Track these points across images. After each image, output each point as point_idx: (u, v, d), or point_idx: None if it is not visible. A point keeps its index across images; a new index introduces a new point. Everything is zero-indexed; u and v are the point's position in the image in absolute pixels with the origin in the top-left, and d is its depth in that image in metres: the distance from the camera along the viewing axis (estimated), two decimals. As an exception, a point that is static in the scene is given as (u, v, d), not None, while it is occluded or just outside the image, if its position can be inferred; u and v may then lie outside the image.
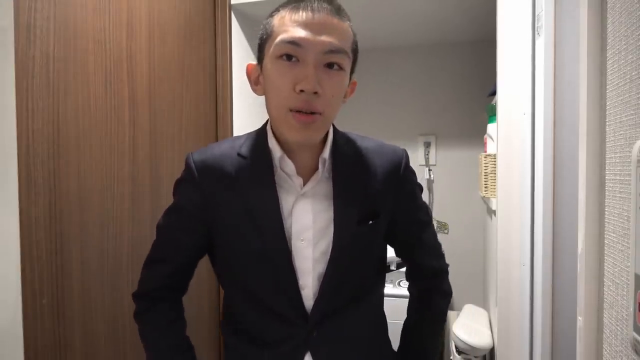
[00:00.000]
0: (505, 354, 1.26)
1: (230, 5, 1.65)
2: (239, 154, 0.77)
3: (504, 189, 1.20)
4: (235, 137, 0.84)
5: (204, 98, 1.57)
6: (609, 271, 0.49)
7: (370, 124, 2.37)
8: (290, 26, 0.67)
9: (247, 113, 1.79)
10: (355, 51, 0.73)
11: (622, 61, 0.46)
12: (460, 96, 2.27)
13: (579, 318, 0.54)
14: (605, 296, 0.50)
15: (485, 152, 1.78)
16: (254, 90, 0.77)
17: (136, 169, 1.25)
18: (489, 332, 1.74)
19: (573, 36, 0.84)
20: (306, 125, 0.68)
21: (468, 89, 2.25)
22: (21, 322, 0.92)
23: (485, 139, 1.83)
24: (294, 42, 0.66)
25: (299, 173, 0.76)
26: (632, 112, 0.44)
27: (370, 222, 0.78)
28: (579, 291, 0.55)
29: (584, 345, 0.53)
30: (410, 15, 1.79)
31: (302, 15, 0.67)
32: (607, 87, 0.50)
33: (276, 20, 0.69)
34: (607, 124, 0.50)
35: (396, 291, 1.99)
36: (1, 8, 0.87)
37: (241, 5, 1.66)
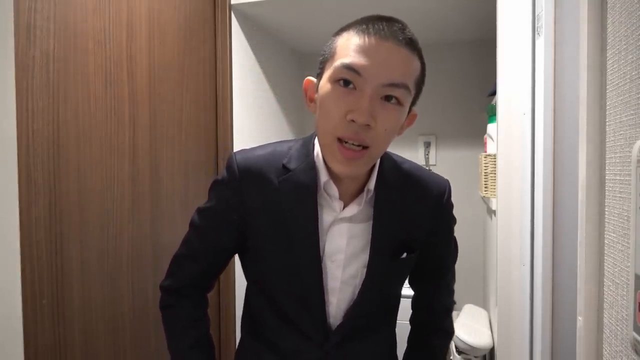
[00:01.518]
0: (505, 354, 1.26)
1: (230, 5, 1.65)
2: (284, 166, 0.74)
3: (504, 189, 1.20)
4: (279, 143, 0.80)
5: (204, 98, 1.57)
6: (609, 271, 0.49)
7: (370, 124, 2.36)
8: (353, 50, 0.63)
9: (247, 113, 1.79)
10: (419, 85, 0.69)
11: (622, 61, 0.46)
12: (460, 96, 2.27)
13: (579, 318, 0.54)
14: (605, 296, 0.50)
15: (485, 152, 1.78)
16: (308, 106, 0.73)
17: (136, 169, 1.25)
18: (489, 332, 1.74)
19: (573, 36, 0.84)
20: (351, 160, 0.65)
21: (468, 89, 2.25)
22: (21, 322, 0.92)
23: (485, 139, 1.83)
24: (353, 69, 0.62)
25: (341, 196, 0.74)
26: (632, 112, 0.44)
27: (405, 255, 0.77)
28: (579, 291, 0.55)
29: (584, 345, 0.53)
30: (410, 14, 1.78)
31: (368, 41, 0.62)
32: (607, 87, 0.50)
33: (341, 40, 0.66)
34: (607, 124, 0.50)
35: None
36: (1, 8, 0.87)
37: (241, 5, 1.66)
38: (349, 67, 0.62)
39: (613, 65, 0.48)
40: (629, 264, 0.43)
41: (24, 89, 0.93)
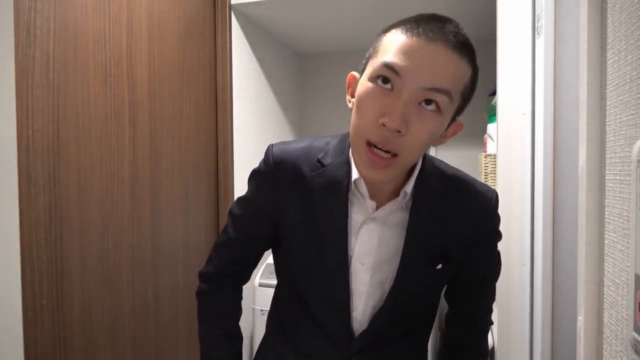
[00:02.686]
0: (505, 354, 1.26)
1: (230, 5, 1.65)
2: (318, 160, 0.72)
3: (504, 189, 1.20)
4: (318, 138, 0.78)
5: (204, 98, 1.57)
6: (609, 271, 0.49)
7: (370, 124, 2.36)
8: (397, 49, 0.58)
9: (247, 113, 1.79)
10: (466, 95, 0.64)
11: (622, 61, 0.46)
12: (460, 96, 2.26)
13: (579, 318, 0.54)
14: (605, 296, 0.50)
15: (485, 152, 1.78)
16: (348, 101, 0.69)
17: (136, 169, 1.25)
18: (489, 332, 1.74)
19: (573, 36, 0.84)
20: (376, 167, 0.62)
21: (468, 89, 2.24)
22: (21, 323, 0.92)
23: (485, 139, 1.83)
24: (392, 68, 0.58)
25: (374, 196, 0.71)
26: (632, 112, 0.44)
27: (440, 265, 0.73)
28: (579, 291, 0.55)
29: (584, 345, 0.53)
30: (411, 14, 1.78)
31: (414, 40, 0.58)
32: (607, 87, 0.50)
33: (387, 38, 0.62)
34: (607, 124, 0.50)
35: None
36: (1, 8, 0.87)
37: (241, 5, 1.66)
38: (388, 66, 0.58)
39: (613, 65, 0.48)
40: (629, 264, 0.43)
41: (24, 89, 0.93)
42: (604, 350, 0.51)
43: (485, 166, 1.61)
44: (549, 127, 1.00)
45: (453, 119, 0.66)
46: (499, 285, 1.25)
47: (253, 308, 1.74)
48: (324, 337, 0.76)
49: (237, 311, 0.86)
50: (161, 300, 1.34)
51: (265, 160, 0.76)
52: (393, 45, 0.59)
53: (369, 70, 0.62)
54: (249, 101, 1.81)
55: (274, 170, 0.74)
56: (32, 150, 0.95)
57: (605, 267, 0.50)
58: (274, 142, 0.78)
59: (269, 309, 0.89)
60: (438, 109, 0.59)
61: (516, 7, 1.14)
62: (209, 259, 0.85)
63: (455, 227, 0.73)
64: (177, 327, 1.41)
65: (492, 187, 1.50)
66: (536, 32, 1.08)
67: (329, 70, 2.39)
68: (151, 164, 1.31)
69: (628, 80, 0.44)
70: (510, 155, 1.16)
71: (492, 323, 0.87)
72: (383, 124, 0.58)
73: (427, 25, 0.59)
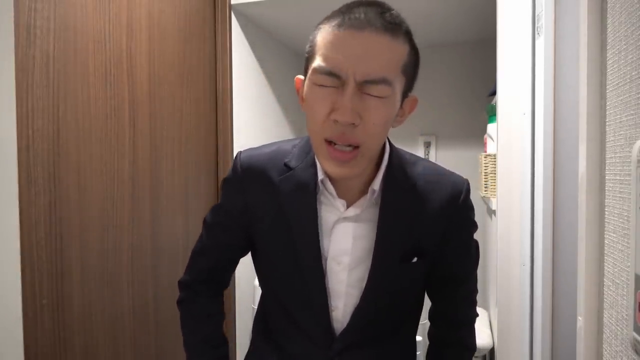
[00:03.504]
0: (505, 354, 1.26)
1: (230, 5, 1.65)
2: (285, 164, 0.72)
3: (504, 189, 1.20)
4: (285, 141, 0.79)
5: (204, 98, 1.57)
6: (609, 271, 0.49)
7: (370, 124, 2.36)
8: (328, 47, 0.59)
9: (247, 113, 1.79)
10: (411, 70, 0.63)
11: (622, 61, 0.46)
12: (460, 96, 2.27)
13: (579, 318, 0.54)
14: (605, 296, 0.50)
15: (485, 152, 1.78)
16: (301, 105, 0.69)
17: (136, 169, 1.25)
18: (489, 332, 1.74)
19: (573, 36, 0.84)
20: (342, 162, 0.62)
21: (468, 89, 2.25)
22: (21, 322, 0.92)
23: (485, 139, 1.83)
24: (328, 72, 0.58)
25: (344, 195, 0.71)
26: (632, 112, 0.44)
27: (415, 260, 0.73)
28: (579, 291, 0.55)
29: (584, 346, 0.53)
30: (411, 15, 1.78)
31: (342, 34, 0.58)
32: (607, 87, 0.50)
33: (320, 35, 0.61)
34: (607, 124, 0.50)
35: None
36: (1, 8, 0.87)
37: (241, 5, 1.66)
38: (322, 71, 0.59)
39: (613, 65, 0.48)
40: (629, 264, 0.43)
41: (24, 89, 0.93)
42: (604, 350, 0.51)
43: (485, 166, 1.61)
44: (549, 127, 1.00)
45: (405, 96, 0.65)
46: (499, 285, 1.25)
47: (253, 308, 1.74)
48: (305, 339, 0.77)
49: (217, 316, 0.86)
50: (161, 300, 1.34)
51: (233, 168, 0.76)
52: (324, 45, 0.59)
53: (309, 73, 0.62)
54: (249, 101, 1.81)
55: (242, 178, 0.75)
56: (32, 150, 0.95)
57: (605, 267, 0.50)
58: (242, 150, 0.78)
59: (254, 319, 0.90)
60: (381, 96, 0.59)
61: (516, 7, 1.14)
62: (187, 267, 0.86)
63: (426, 220, 0.72)
64: (177, 327, 1.40)
65: (492, 186, 1.50)
66: (536, 32, 1.08)
67: (329, 70, 2.39)
68: (151, 164, 1.31)
69: (628, 80, 0.44)
70: (510, 155, 1.16)
71: (476, 315, 0.86)
72: (336, 120, 0.59)
73: (352, 14, 0.58)
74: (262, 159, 0.74)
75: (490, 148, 1.65)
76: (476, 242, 0.82)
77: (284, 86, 2.16)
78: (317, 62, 0.60)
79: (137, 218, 1.26)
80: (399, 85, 0.61)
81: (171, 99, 1.39)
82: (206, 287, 0.85)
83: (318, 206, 0.72)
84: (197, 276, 0.84)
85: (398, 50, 0.59)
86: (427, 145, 2.32)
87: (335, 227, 0.72)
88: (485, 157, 1.62)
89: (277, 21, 1.88)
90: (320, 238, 0.71)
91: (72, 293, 1.05)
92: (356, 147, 0.61)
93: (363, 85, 0.58)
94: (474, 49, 2.22)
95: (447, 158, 2.32)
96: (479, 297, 2.15)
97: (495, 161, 1.38)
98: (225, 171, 1.66)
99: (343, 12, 0.60)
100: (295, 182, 0.71)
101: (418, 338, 1.63)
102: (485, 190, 1.61)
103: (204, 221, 0.83)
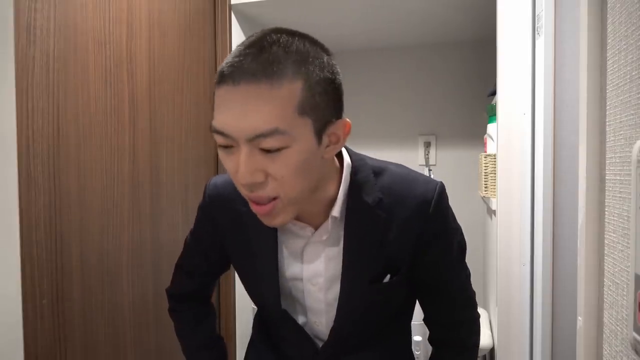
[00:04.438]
0: (505, 354, 1.26)
1: (230, 5, 1.65)
2: None
3: (504, 189, 1.20)
4: None
5: (204, 98, 1.57)
6: (609, 271, 0.49)
7: (370, 124, 2.36)
8: (216, 105, 0.55)
9: (247, 113, 1.79)
10: (315, 103, 0.55)
11: (622, 61, 0.46)
12: (460, 96, 2.26)
13: (579, 318, 0.54)
14: (605, 296, 0.50)
15: (485, 152, 1.78)
16: None
17: (136, 168, 1.25)
18: (489, 332, 1.74)
19: (573, 36, 0.84)
20: (266, 215, 0.59)
21: (468, 89, 2.25)
22: (21, 322, 0.92)
23: (485, 139, 1.83)
24: (219, 132, 0.55)
25: (309, 220, 0.70)
26: (632, 112, 0.44)
27: (388, 278, 0.71)
28: (579, 291, 0.55)
29: (584, 345, 0.53)
30: (410, 15, 1.78)
31: (223, 90, 0.54)
32: (607, 87, 0.50)
33: (216, 90, 0.56)
34: (607, 124, 0.50)
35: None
36: (1, 8, 0.87)
37: (241, 5, 1.66)
38: (215, 131, 0.55)
39: (613, 65, 0.48)
40: (629, 264, 0.43)
41: (24, 89, 0.93)
42: (604, 350, 0.51)
43: (485, 166, 1.61)
44: (549, 127, 1.00)
45: (323, 130, 0.58)
46: (499, 285, 1.25)
47: (253, 308, 1.74)
48: (294, 345, 0.80)
49: (208, 319, 0.91)
50: (161, 300, 1.34)
51: (204, 196, 0.80)
52: (216, 102, 0.56)
53: None
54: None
55: (210, 206, 0.78)
56: (32, 150, 0.95)
57: (605, 267, 0.50)
58: (215, 176, 0.80)
59: (254, 317, 0.93)
60: (279, 148, 0.54)
61: (516, 7, 1.14)
62: (173, 278, 0.91)
63: (396, 237, 0.69)
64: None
65: (492, 186, 1.50)
66: (536, 32, 1.08)
67: (329, 70, 2.38)
68: (151, 164, 1.31)
69: (628, 80, 0.45)
70: (510, 155, 1.16)
71: (476, 316, 0.82)
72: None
73: (231, 65, 0.53)
74: (228, 189, 0.74)
75: (490, 148, 1.65)
76: (461, 243, 0.77)
77: (284, 86, 2.16)
78: (213, 121, 0.56)
79: (137, 218, 1.26)
80: (302, 128, 0.54)
81: (171, 99, 1.39)
82: (191, 297, 0.90)
83: (283, 235, 0.72)
84: (181, 289, 0.89)
85: (282, 95, 0.52)
86: (427, 145, 2.32)
87: (305, 251, 0.72)
88: (485, 157, 1.62)
89: (277, 21, 1.88)
90: (281, 265, 0.73)
91: (72, 292, 1.05)
92: (274, 198, 0.58)
93: (255, 141, 0.53)
94: (474, 48, 2.22)
95: (447, 158, 2.32)
96: (479, 297, 2.15)
97: (495, 161, 1.38)
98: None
99: (227, 60, 0.55)
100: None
101: (418, 338, 1.63)
102: (485, 190, 1.61)
103: (185, 240, 0.88)
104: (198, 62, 1.53)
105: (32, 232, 0.95)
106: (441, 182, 0.71)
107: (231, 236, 0.77)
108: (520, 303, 1.14)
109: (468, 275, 0.81)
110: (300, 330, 0.76)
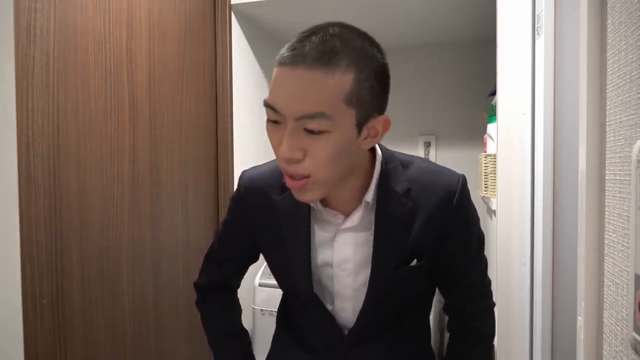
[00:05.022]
0: (505, 354, 1.26)
1: (230, 5, 1.65)
2: (283, 184, 0.74)
3: (504, 189, 1.20)
4: None
5: (204, 98, 1.57)
6: (609, 271, 0.49)
7: (370, 124, 2.37)
8: (273, 82, 0.61)
9: (247, 113, 1.79)
10: (360, 97, 0.60)
11: (622, 61, 0.46)
12: (460, 96, 2.26)
13: (579, 318, 0.54)
14: (605, 296, 0.50)
15: (485, 152, 1.78)
16: None
17: (136, 168, 1.25)
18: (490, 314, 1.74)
19: (573, 36, 0.84)
20: (296, 190, 0.64)
21: (468, 89, 2.25)
22: (21, 322, 0.92)
23: (485, 139, 1.83)
24: (270, 106, 0.60)
25: (340, 207, 0.74)
26: (632, 112, 0.44)
27: (414, 262, 0.75)
28: (579, 291, 0.55)
29: (584, 345, 0.53)
30: (410, 15, 1.79)
31: (281, 71, 0.59)
32: (607, 87, 0.50)
33: (274, 70, 0.62)
34: (607, 124, 0.50)
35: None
36: (1, 8, 0.87)
37: (241, 5, 1.66)
38: (267, 105, 0.61)
39: (613, 65, 0.48)
40: (629, 264, 0.43)
41: (24, 89, 0.93)
42: (604, 350, 0.51)
43: (485, 166, 1.61)
44: (549, 127, 1.00)
45: (365, 122, 0.62)
46: (499, 284, 1.25)
47: (253, 308, 1.74)
48: (318, 335, 0.83)
49: (234, 309, 0.93)
50: (161, 300, 1.34)
51: (237, 188, 0.83)
52: (273, 80, 0.61)
53: None
54: (248, 101, 1.81)
55: (245, 198, 0.81)
56: (32, 150, 0.95)
57: (605, 267, 0.50)
58: (270, 156, 0.81)
59: (277, 309, 0.96)
60: (322, 131, 0.58)
61: (516, 7, 1.14)
62: (201, 271, 0.92)
63: (422, 224, 0.74)
64: (177, 326, 1.41)
65: (492, 186, 1.50)
66: (536, 32, 1.08)
67: (329, 70, 2.38)
68: (151, 163, 1.31)
69: (628, 80, 0.45)
70: (510, 155, 1.16)
71: (492, 305, 0.87)
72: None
73: (292, 49, 0.59)
74: (263, 180, 0.79)
75: (490, 148, 1.65)
76: (480, 234, 0.82)
77: (284, 86, 2.16)
78: (268, 95, 0.62)
79: (137, 218, 1.26)
80: (345, 117, 0.59)
81: (171, 99, 1.39)
82: (219, 288, 0.91)
83: (315, 222, 0.76)
84: (209, 280, 0.90)
85: (333, 84, 0.57)
86: (427, 145, 2.32)
87: (336, 238, 0.76)
88: (485, 157, 1.62)
89: (277, 21, 1.88)
90: (312, 252, 0.76)
91: (72, 293, 1.05)
92: (307, 177, 0.62)
93: (301, 121, 0.58)
94: (474, 48, 2.22)
95: (447, 158, 2.32)
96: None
97: (495, 161, 1.38)
98: (224, 171, 1.66)
99: (289, 46, 0.60)
100: (291, 202, 0.74)
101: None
102: (485, 190, 1.61)
103: (215, 232, 0.91)
104: (198, 62, 1.53)
105: (32, 232, 0.95)
106: (463, 175, 0.77)
107: (265, 225, 0.79)
108: (520, 303, 1.14)
109: (486, 264, 0.85)
110: (328, 315, 0.79)
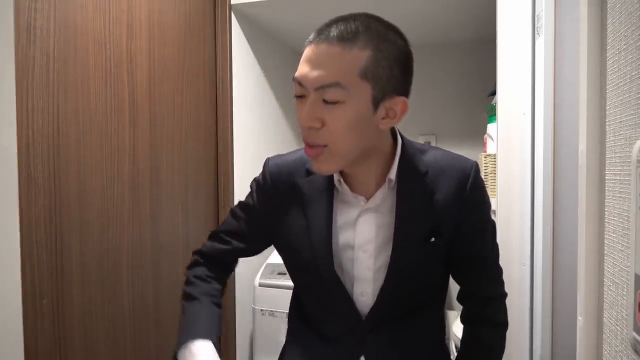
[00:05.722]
0: (505, 354, 1.26)
1: (230, 5, 1.65)
2: (307, 169, 0.80)
3: (504, 189, 1.20)
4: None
5: (204, 98, 1.57)
6: (609, 271, 0.49)
7: (370, 124, 2.37)
8: (301, 61, 0.68)
9: (247, 113, 1.79)
10: (375, 72, 0.65)
11: (622, 61, 0.46)
12: (460, 96, 2.26)
13: (579, 318, 0.54)
14: (605, 296, 0.50)
15: (485, 152, 1.77)
16: None
17: (136, 168, 1.25)
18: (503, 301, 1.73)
19: (573, 36, 0.84)
20: (313, 158, 0.70)
21: (468, 89, 2.25)
22: (21, 322, 0.92)
23: (485, 139, 1.83)
24: (297, 81, 0.67)
25: (361, 189, 0.78)
26: (632, 112, 0.44)
27: (433, 240, 0.78)
28: (579, 291, 0.55)
29: (584, 345, 0.53)
30: (410, 15, 1.78)
31: (308, 49, 0.67)
32: (607, 87, 0.50)
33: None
34: (607, 124, 0.50)
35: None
36: (1, 8, 0.87)
37: (241, 5, 1.66)
38: (295, 80, 0.67)
39: (613, 65, 0.48)
40: (629, 264, 0.43)
41: (24, 89, 0.93)
42: (604, 350, 0.51)
43: (485, 166, 1.61)
44: (549, 127, 1.00)
45: (381, 99, 0.67)
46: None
47: (253, 308, 1.74)
48: (339, 324, 0.83)
49: (220, 286, 0.90)
50: (161, 300, 1.34)
51: (263, 174, 0.85)
52: (301, 59, 0.68)
53: None
54: (248, 101, 1.81)
55: (270, 184, 0.83)
56: (32, 150, 0.95)
57: (605, 267, 0.50)
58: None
59: (289, 305, 0.95)
60: (337, 101, 0.64)
61: (516, 7, 1.14)
62: (205, 244, 0.92)
63: (440, 205, 0.78)
64: (177, 327, 1.41)
65: (492, 186, 1.50)
66: (536, 32, 1.08)
67: (329, 70, 2.38)
68: (151, 164, 1.31)
69: (628, 80, 0.45)
70: (510, 155, 1.16)
71: (504, 293, 0.88)
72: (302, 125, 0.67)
73: (320, 31, 0.66)
74: (287, 166, 0.83)
75: (490, 148, 1.64)
76: (493, 222, 0.86)
77: (284, 86, 2.16)
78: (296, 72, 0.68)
79: (137, 218, 1.25)
80: (360, 90, 0.65)
81: (171, 99, 1.39)
82: (214, 261, 0.91)
83: (339, 204, 0.79)
84: (212, 253, 0.90)
85: (350, 58, 0.64)
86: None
87: (358, 219, 0.78)
88: (485, 157, 1.62)
89: (277, 21, 1.88)
90: (334, 234, 0.78)
91: (72, 293, 1.05)
92: (324, 146, 0.68)
93: (319, 91, 0.64)
94: (474, 48, 2.22)
95: (447, 158, 2.32)
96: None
97: (495, 161, 1.38)
98: (224, 171, 1.66)
99: (317, 29, 0.67)
100: (315, 184, 0.79)
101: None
102: (485, 190, 1.61)
103: (231, 210, 0.91)
104: (198, 62, 1.53)
105: (32, 232, 0.95)
106: (476, 162, 0.82)
107: (287, 208, 0.81)
108: (520, 303, 1.14)
109: (498, 251, 0.88)
110: (348, 299, 0.79)
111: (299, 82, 0.66)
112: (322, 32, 0.66)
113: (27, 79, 0.94)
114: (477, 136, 2.20)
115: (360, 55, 0.64)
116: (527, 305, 1.13)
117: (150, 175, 1.31)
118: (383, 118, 0.69)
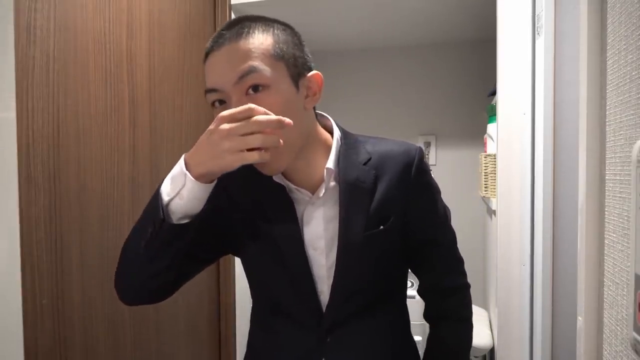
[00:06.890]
0: (505, 354, 1.26)
1: (230, 6, 1.65)
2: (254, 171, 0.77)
3: (504, 189, 1.20)
4: None
5: (204, 98, 1.56)
6: (609, 271, 0.49)
7: (371, 124, 2.37)
8: (206, 73, 0.68)
9: (247, 113, 1.79)
10: (285, 51, 0.67)
11: (622, 61, 0.46)
12: (460, 96, 2.27)
13: (579, 318, 0.54)
14: (605, 296, 0.50)
15: (485, 152, 1.78)
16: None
17: (136, 169, 1.25)
18: (489, 332, 1.74)
19: (573, 36, 0.84)
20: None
21: (468, 89, 2.25)
22: (21, 322, 0.92)
23: (485, 139, 1.83)
24: (212, 90, 0.67)
25: (305, 185, 0.76)
26: (632, 112, 0.44)
27: (381, 227, 0.76)
28: (579, 291, 0.55)
29: (584, 345, 0.53)
30: (411, 15, 1.79)
31: (209, 59, 0.67)
32: (607, 87, 0.50)
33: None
34: (607, 124, 0.50)
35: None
36: (1, 8, 0.87)
37: (241, 5, 1.66)
38: (208, 91, 0.68)
39: (613, 65, 0.48)
40: (629, 264, 0.43)
41: (24, 89, 0.93)
42: (604, 350, 0.51)
43: (485, 166, 1.61)
44: (549, 127, 1.00)
45: (299, 77, 0.69)
46: (499, 285, 1.25)
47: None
48: (299, 329, 0.79)
49: None
50: (161, 300, 1.34)
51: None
52: (206, 71, 0.69)
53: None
54: (249, 101, 1.81)
55: (224, 180, 0.77)
56: (32, 150, 0.95)
57: (605, 267, 0.50)
58: None
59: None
60: (261, 84, 0.65)
61: (516, 7, 1.14)
62: None
63: (386, 188, 0.77)
64: (177, 327, 1.41)
65: (492, 186, 1.50)
66: (536, 32, 1.08)
67: (329, 70, 2.39)
68: (151, 164, 1.31)
69: (628, 80, 0.45)
70: (510, 155, 1.16)
71: (466, 285, 0.88)
72: None
73: (214, 41, 0.67)
74: (240, 169, 0.78)
75: (490, 148, 1.65)
76: (444, 205, 0.86)
77: (284, 86, 2.16)
78: (206, 86, 0.69)
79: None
80: (277, 70, 0.66)
81: (171, 99, 1.39)
82: None
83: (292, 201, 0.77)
84: None
85: (256, 44, 0.66)
86: (427, 145, 2.33)
87: (305, 214, 0.76)
88: (485, 157, 1.62)
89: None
90: (299, 226, 0.76)
91: (72, 293, 1.05)
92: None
93: (239, 84, 0.64)
94: (474, 48, 2.22)
95: (447, 158, 2.32)
96: (479, 297, 2.14)
97: (495, 161, 1.38)
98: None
99: (210, 39, 0.69)
100: (267, 183, 0.76)
101: (417, 338, 1.64)
102: (485, 190, 1.61)
103: None
104: (198, 62, 1.53)
105: (32, 232, 0.95)
106: (420, 146, 0.82)
107: (245, 210, 0.78)
108: (520, 303, 1.14)
109: (454, 237, 0.88)
110: (314, 297, 0.77)
111: (214, 89, 0.66)
112: (216, 41, 0.67)
113: (27, 79, 0.94)
114: (477, 136, 2.20)
115: (262, 39, 0.66)
116: (527, 305, 1.13)
117: (151, 175, 1.31)
118: (306, 97, 0.70)
